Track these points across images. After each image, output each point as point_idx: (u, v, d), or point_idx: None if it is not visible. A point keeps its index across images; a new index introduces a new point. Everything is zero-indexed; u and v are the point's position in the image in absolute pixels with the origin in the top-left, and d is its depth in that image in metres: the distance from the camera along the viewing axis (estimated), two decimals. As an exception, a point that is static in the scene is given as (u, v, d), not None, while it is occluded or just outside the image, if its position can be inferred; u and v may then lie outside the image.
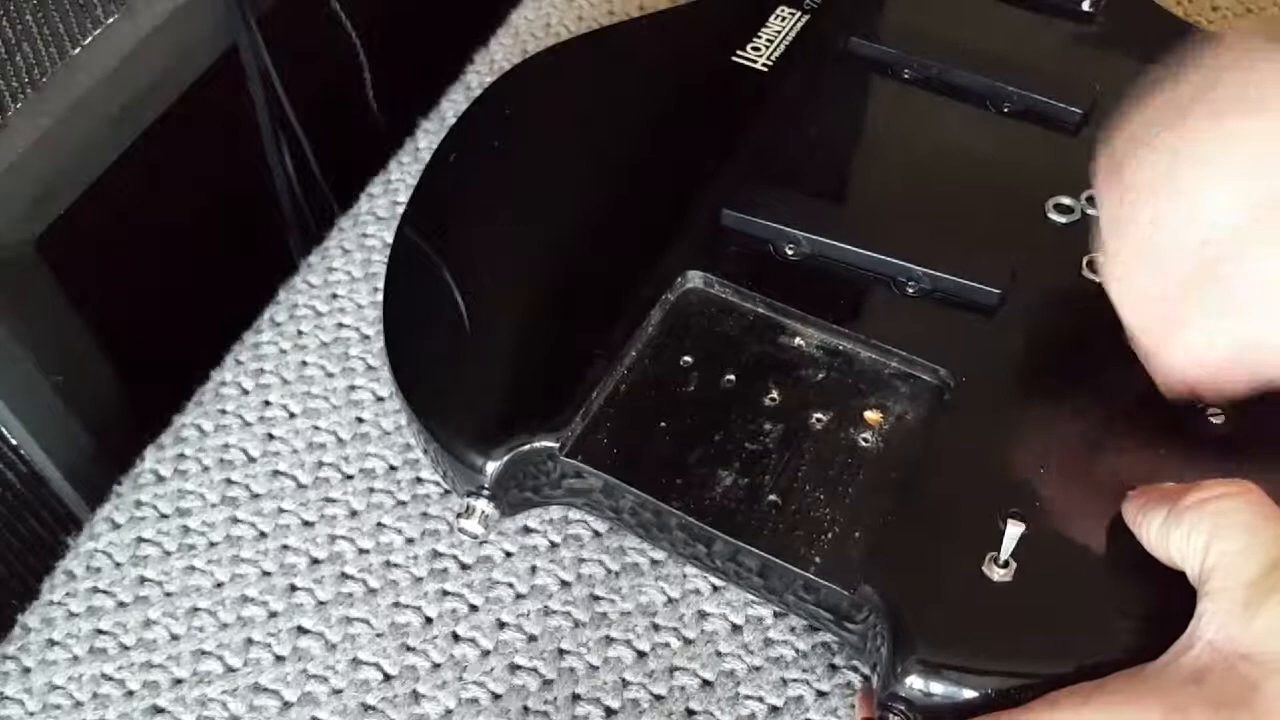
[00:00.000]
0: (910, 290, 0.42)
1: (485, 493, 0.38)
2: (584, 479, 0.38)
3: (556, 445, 0.38)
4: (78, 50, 0.46)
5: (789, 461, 0.38)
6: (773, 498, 0.37)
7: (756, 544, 0.36)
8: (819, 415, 0.39)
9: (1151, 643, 0.33)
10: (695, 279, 0.42)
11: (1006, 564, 0.35)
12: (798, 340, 0.41)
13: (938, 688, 0.33)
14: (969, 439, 0.38)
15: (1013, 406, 0.39)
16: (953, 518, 0.36)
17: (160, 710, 0.38)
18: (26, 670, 0.39)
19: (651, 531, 0.39)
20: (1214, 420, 0.38)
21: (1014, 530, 0.34)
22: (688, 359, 0.40)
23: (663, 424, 0.38)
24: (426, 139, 0.53)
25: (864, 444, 0.38)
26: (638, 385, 0.39)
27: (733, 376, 0.40)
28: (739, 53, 0.50)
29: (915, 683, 0.33)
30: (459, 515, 0.38)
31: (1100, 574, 0.35)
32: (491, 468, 0.38)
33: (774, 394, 0.39)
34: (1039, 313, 0.41)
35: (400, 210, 0.50)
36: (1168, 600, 0.33)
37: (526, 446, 0.38)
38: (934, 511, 0.37)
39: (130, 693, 0.39)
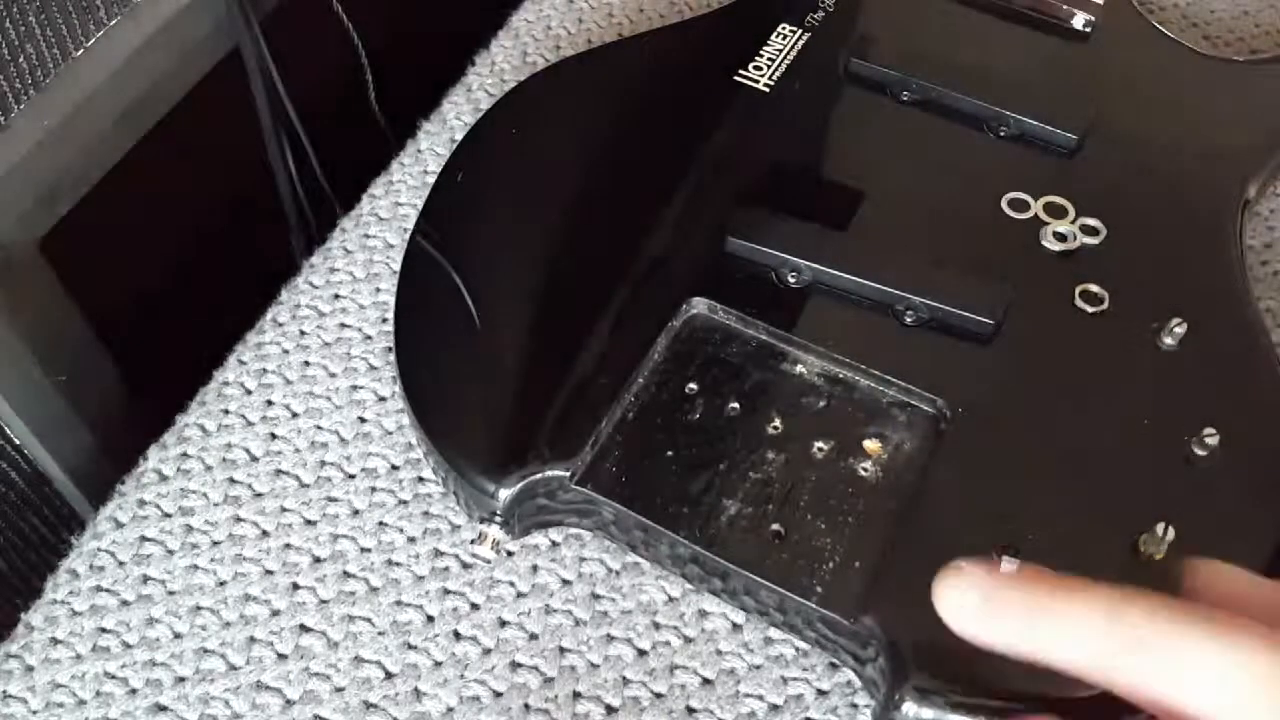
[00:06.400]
0: (908, 319, 0.42)
1: (498, 519, 0.38)
2: (594, 506, 0.39)
3: (567, 474, 0.38)
4: (81, 52, 0.46)
5: (791, 491, 0.38)
6: (775, 527, 0.37)
7: (760, 573, 0.37)
8: (820, 444, 0.39)
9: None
10: (699, 306, 0.42)
11: None
12: (799, 368, 0.41)
13: (930, 715, 0.34)
14: (964, 470, 0.39)
15: (1007, 438, 0.39)
16: (949, 548, 0.37)
17: (163, 708, 0.39)
18: (30, 669, 0.39)
19: (663, 561, 0.39)
20: (1200, 452, 0.39)
21: (1008, 566, 0.34)
22: (693, 386, 0.40)
23: (669, 452, 0.39)
24: (428, 140, 0.53)
25: (863, 473, 0.39)
26: (645, 413, 0.40)
27: (736, 404, 0.40)
28: (741, 72, 0.50)
29: (910, 710, 0.34)
30: (472, 541, 0.39)
31: None
32: (504, 495, 0.38)
33: (776, 422, 0.40)
34: (1032, 343, 0.42)
35: (402, 211, 0.51)
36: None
37: (538, 475, 0.38)
38: (931, 542, 0.37)
39: (133, 691, 0.39)
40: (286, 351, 0.47)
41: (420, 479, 0.43)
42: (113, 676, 0.39)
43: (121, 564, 0.41)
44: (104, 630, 0.40)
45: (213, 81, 0.53)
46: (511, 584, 0.41)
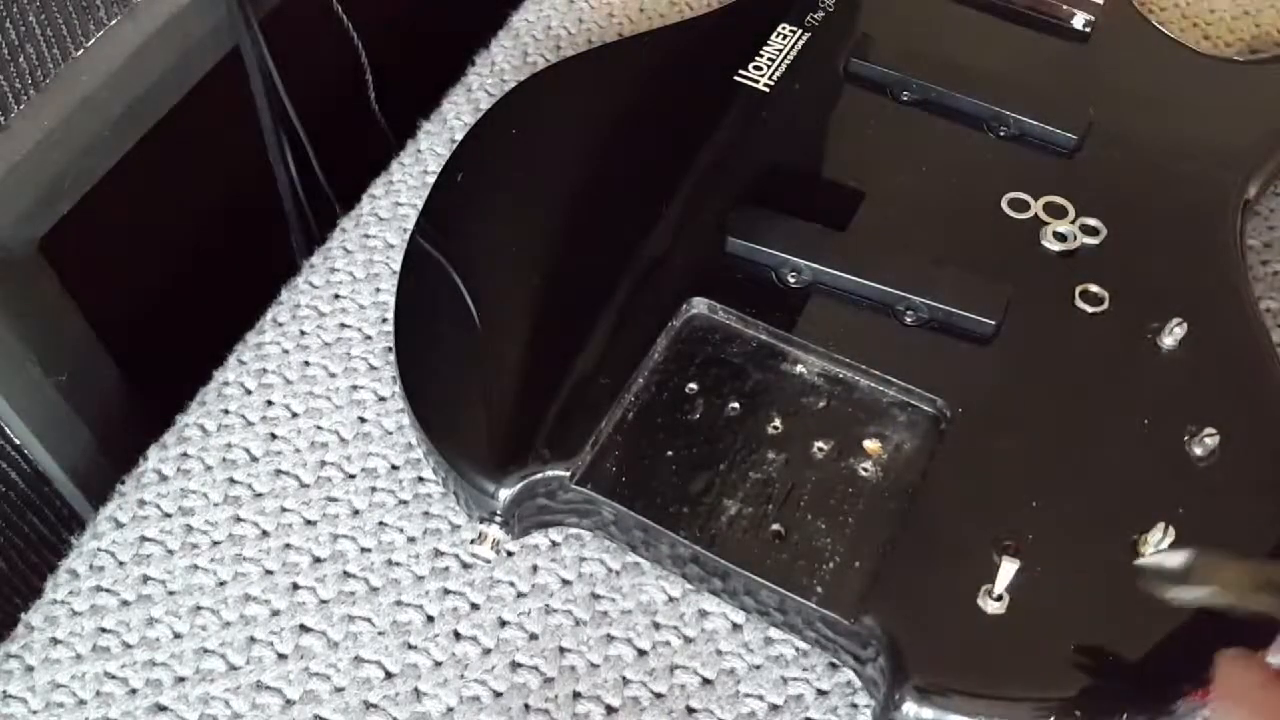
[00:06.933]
0: (908, 319, 0.42)
1: (497, 519, 0.38)
2: (594, 506, 0.39)
3: (568, 474, 0.38)
4: (81, 51, 0.46)
5: (791, 491, 0.38)
6: (776, 527, 0.37)
7: (760, 573, 0.37)
8: (820, 444, 0.39)
9: (1141, 673, 0.34)
10: (700, 305, 0.42)
11: (1000, 597, 0.35)
12: (799, 368, 0.41)
13: (930, 715, 0.34)
14: (964, 470, 0.39)
15: (1007, 438, 0.39)
16: (949, 549, 0.37)
17: (163, 708, 0.39)
18: (30, 669, 0.39)
19: (663, 561, 0.39)
20: (1200, 452, 0.39)
21: (1008, 567, 0.34)
22: (693, 386, 0.40)
23: (669, 453, 0.39)
24: (428, 140, 0.53)
25: (864, 473, 0.39)
26: (645, 413, 0.40)
27: (737, 404, 0.40)
28: (741, 72, 0.50)
29: (910, 709, 0.34)
30: (472, 541, 0.39)
31: (1091, 609, 0.36)
32: (504, 495, 0.38)
33: (777, 422, 0.40)
34: (1033, 343, 0.42)
35: (401, 211, 0.51)
36: (1156, 634, 0.33)
37: (538, 475, 0.38)
38: (931, 542, 0.37)
39: (133, 691, 0.39)
40: (286, 351, 0.47)
41: (420, 479, 0.43)
42: (113, 676, 0.39)
43: (121, 564, 0.41)
44: (104, 630, 0.40)
45: (213, 81, 0.53)
46: (511, 584, 0.41)
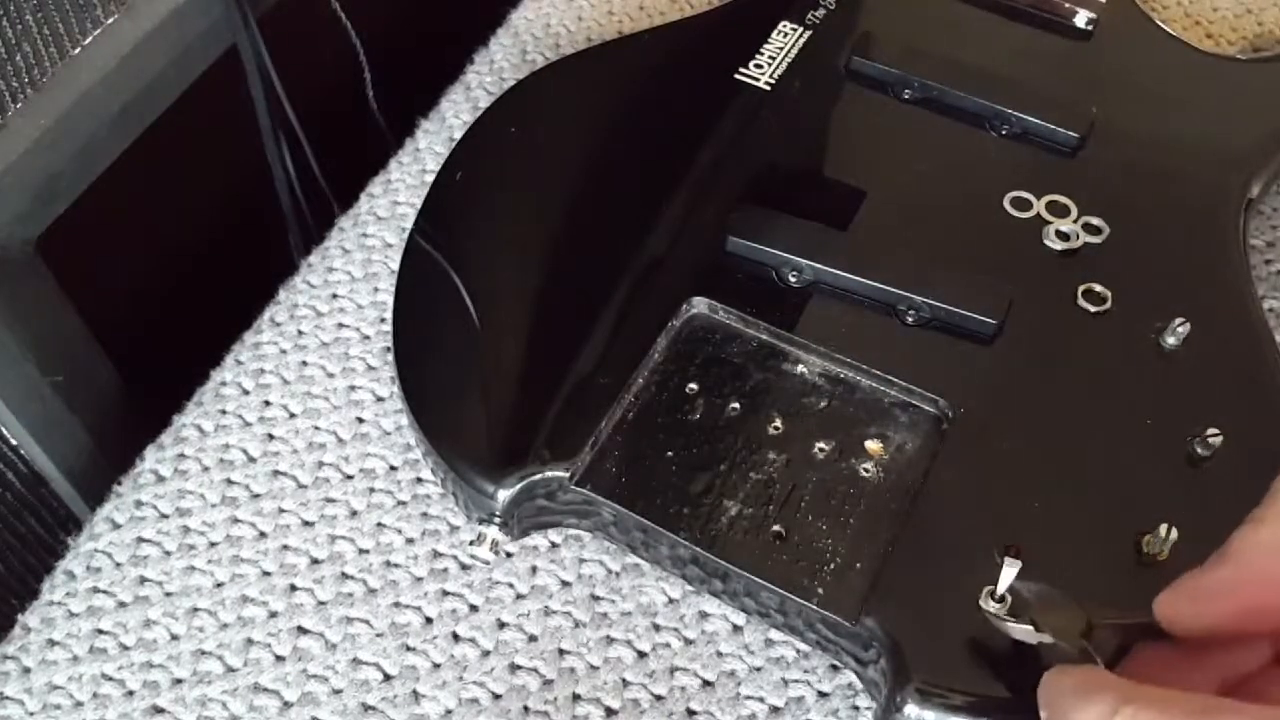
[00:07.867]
0: (910, 319, 0.42)
1: (496, 520, 0.38)
2: (593, 507, 0.38)
3: (567, 475, 0.38)
4: (78, 50, 0.46)
5: (792, 492, 0.38)
6: (777, 528, 0.37)
7: (761, 574, 0.36)
8: (821, 445, 0.39)
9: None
10: (700, 305, 0.42)
11: (1003, 599, 0.35)
12: (800, 368, 0.41)
13: (932, 717, 0.34)
14: (966, 470, 0.38)
15: (1009, 438, 0.39)
16: (951, 550, 0.37)
17: (160, 710, 0.38)
18: (26, 670, 0.39)
19: (663, 562, 0.39)
20: (1203, 452, 0.38)
21: (1010, 569, 0.34)
22: (693, 386, 0.40)
23: (669, 453, 0.39)
24: (426, 139, 0.53)
25: (865, 474, 0.38)
26: (645, 413, 0.39)
27: (737, 405, 0.40)
28: (741, 70, 0.49)
29: (912, 711, 0.34)
30: (471, 543, 0.39)
31: (1092, 609, 0.35)
32: (503, 495, 0.38)
33: (777, 423, 0.39)
34: (1035, 342, 0.41)
35: (400, 210, 0.50)
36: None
37: (538, 475, 0.38)
38: (932, 543, 0.37)
39: (130, 693, 0.39)
40: (284, 351, 0.46)
41: (419, 480, 0.43)
42: (110, 678, 0.39)
43: (119, 565, 0.41)
44: (101, 632, 0.40)
45: (210, 80, 0.53)
46: (511, 585, 0.40)
